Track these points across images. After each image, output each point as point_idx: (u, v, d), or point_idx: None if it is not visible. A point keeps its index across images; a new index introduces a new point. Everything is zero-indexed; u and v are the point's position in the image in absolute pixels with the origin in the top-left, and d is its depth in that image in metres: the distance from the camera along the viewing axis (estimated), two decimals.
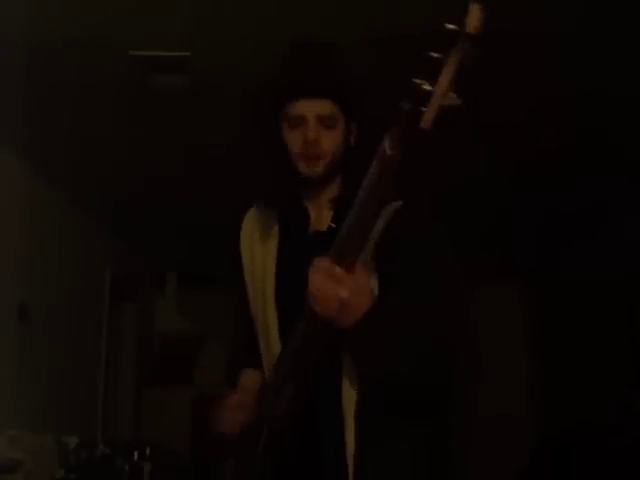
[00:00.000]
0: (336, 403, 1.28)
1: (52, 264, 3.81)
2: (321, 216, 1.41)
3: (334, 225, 1.29)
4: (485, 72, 2.29)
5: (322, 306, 1.14)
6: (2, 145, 3.25)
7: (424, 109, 0.95)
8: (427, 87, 0.93)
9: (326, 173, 1.37)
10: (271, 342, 1.40)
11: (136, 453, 3.03)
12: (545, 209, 4.41)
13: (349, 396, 1.27)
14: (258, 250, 1.47)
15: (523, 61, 2.64)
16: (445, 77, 0.92)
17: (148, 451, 3.06)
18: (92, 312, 4.47)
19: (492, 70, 2.54)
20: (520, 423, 5.61)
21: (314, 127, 1.33)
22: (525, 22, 2.34)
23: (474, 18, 0.88)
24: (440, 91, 0.93)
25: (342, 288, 1.12)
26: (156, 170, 3.81)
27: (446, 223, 1.34)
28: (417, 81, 0.93)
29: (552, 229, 4.79)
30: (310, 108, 1.32)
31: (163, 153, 3.58)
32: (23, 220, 3.42)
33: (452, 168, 3.59)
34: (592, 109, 3.07)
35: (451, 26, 0.88)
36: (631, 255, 4.27)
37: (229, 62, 2.66)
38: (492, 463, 5.19)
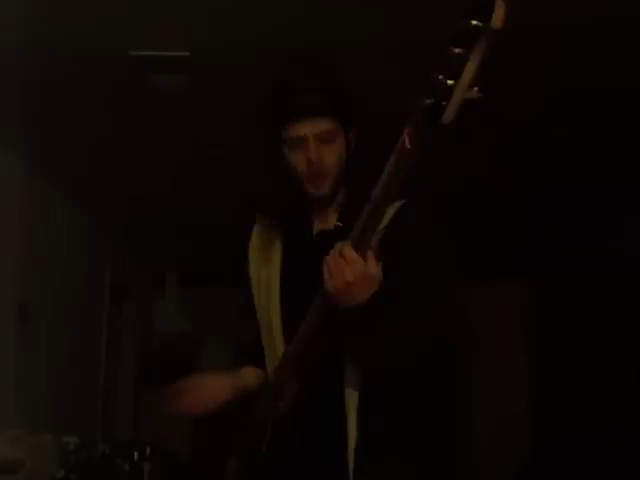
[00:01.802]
0: (338, 404, 1.28)
1: (52, 264, 3.81)
2: (326, 218, 1.42)
3: (341, 224, 1.29)
4: (486, 71, 2.29)
5: (332, 285, 1.15)
6: (2, 145, 3.25)
7: (445, 103, 0.93)
8: (449, 82, 0.91)
9: (333, 190, 1.38)
10: (275, 345, 1.40)
11: (136, 453, 3.03)
12: (547, 209, 4.40)
13: (351, 397, 1.27)
14: (264, 258, 1.48)
15: (526, 60, 2.63)
16: (468, 72, 0.90)
17: (148, 451, 3.06)
18: (92, 312, 4.46)
19: (493, 69, 2.54)
20: (520, 423, 5.60)
21: (314, 146, 1.32)
22: (531, 20, 2.33)
23: (500, 13, 0.87)
24: (463, 86, 0.91)
25: (350, 270, 1.13)
26: (156, 170, 3.81)
27: (448, 222, 1.34)
28: (438, 76, 0.91)
29: (553, 229, 4.78)
30: (308, 128, 1.31)
31: (163, 153, 3.58)
32: (23, 220, 3.42)
33: (454, 167, 3.58)
34: (594, 109, 3.06)
35: (475, 21, 0.87)
36: (632, 255, 4.27)
37: (229, 62, 2.66)
38: (492, 463, 5.20)
